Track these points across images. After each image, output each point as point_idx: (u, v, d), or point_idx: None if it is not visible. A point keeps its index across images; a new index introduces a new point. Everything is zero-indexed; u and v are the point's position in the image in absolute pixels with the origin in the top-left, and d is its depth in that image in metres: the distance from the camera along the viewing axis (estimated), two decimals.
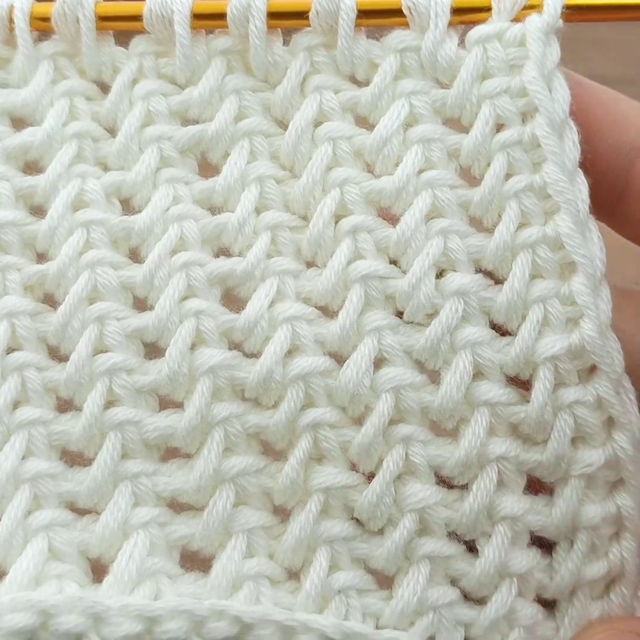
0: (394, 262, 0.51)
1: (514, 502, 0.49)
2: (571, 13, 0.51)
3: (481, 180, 0.51)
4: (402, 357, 0.50)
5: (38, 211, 0.52)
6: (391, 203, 0.51)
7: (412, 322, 0.50)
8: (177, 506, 0.50)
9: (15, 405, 0.49)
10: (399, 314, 0.50)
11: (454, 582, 0.50)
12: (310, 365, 0.49)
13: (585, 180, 0.50)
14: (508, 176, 0.51)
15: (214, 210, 0.52)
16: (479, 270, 0.51)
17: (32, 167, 0.52)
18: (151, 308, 0.50)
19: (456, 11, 0.51)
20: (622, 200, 0.54)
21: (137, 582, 0.47)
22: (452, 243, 0.50)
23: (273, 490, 0.49)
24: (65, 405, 0.50)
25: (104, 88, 0.53)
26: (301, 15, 0.51)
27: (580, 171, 0.50)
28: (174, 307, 0.50)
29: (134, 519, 0.48)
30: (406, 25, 0.52)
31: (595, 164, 0.52)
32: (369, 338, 0.49)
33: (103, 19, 0.52)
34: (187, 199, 0.52)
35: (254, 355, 0.50)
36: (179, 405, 0.50)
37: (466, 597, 0.50)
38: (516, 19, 0.51)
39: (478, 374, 0.50)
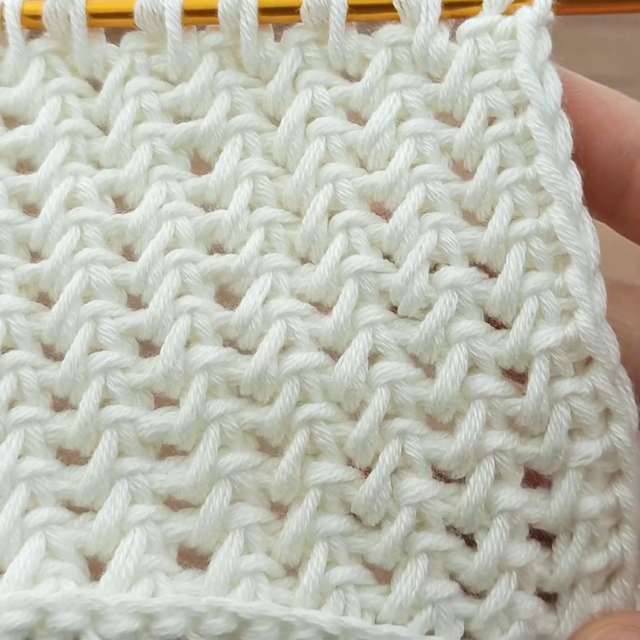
0: (387, 256, 0.51)
1: (512, 495, 0.49)
2: (562, 5, 0.51)
3: (474, 173, 0.51)
4: (397, 351, 0.49)
5: (31, 210, 0.52)
6: (384, 198, 0.51)
7: (406, 317, 0.50)
8: (174, 504, 0.49)
9: (11, 404, 0.49)
10: (393, 309, 0.50)
11: (452, 576, 0.50)
12: (304, 361, 0.49)
13: (577, 172, 0.50)
14: (500, 169, 0.51)
15: (207, 207, 0.52)
16: (472, 263, 0.51)
17: (24, 166, 0.52)
18: (145, 306, 0.50)
19: (447, 5, 0.51)
20: (623, 200, 0.54)
21: (135, 580, 0.47)
22: (446, 237, 0.50)
23: (270, 487, 0.49)
24: (60, 404, 0.50)
25: (96, 85, 0.53)
26: (292, 10, 0.51)
27: (573, 163, 0.50)
28: (168, 305, 0.50)
29: (130, 517, 0.48)
30: (397, 19, 0.52)
31: (596, 164, 0.52)
32: (363, 333, 0.49)
33: (94, 16, 0.52)
34: (180, 196, 0.51)
35: (249, 351, 0.50)
36: (175, 403, 0.50)
37: (465, 591, 0.50)
38: (507, 12, 0.51)
39: (473, 368, 0.50)
